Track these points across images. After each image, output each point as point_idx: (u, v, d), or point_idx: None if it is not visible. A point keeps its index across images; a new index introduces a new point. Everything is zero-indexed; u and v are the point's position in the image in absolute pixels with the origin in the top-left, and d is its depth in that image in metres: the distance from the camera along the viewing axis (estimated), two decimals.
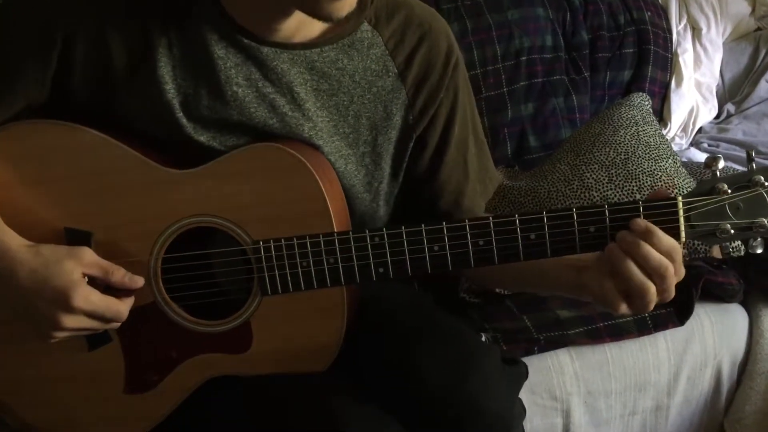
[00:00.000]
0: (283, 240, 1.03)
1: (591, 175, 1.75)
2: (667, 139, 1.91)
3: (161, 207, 1.05)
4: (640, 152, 1.79)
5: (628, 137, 1.82)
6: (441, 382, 1.07)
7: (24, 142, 1.05)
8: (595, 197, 1.72)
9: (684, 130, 2.29)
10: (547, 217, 0.99)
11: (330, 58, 1.09)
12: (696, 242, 1.67)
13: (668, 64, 2.26)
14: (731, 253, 1.65)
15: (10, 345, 1.09)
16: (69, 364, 1.09)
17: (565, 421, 1.60)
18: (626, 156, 1.78)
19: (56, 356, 1.09)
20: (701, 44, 2.32)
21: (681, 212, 0.98)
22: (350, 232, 1.02)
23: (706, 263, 1.72)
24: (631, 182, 1.73)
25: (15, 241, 1.01)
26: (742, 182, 0.98)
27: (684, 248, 0.98)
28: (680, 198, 0.98)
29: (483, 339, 1.51)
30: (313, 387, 1.08)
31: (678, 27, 2.31)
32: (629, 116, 1.88)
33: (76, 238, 1.05)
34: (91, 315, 1.00)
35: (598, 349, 1.61)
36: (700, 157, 2.16)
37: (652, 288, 0.96)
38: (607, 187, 1.73)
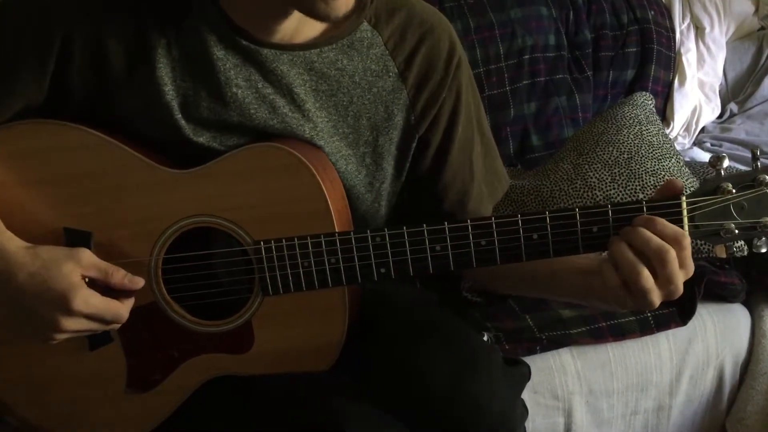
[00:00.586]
0: (284, 240, 1.02)
1: (594, 175, 1.75)
2: (670, 139, 1.91)
3: (161, 207, 1.05)
4: (643, 151, 1.78)
5: (632, 136, 1.82)
6: (444, 382, 1.07)
7: (23, 142, 1.05)
8: (598, 196, 1.71)
9: (687, 129, 2.29)
10: (549, 217, 0.99)
11: (329, 58, 1.08)
12: (699, 242, 1.66)
13: (671, 63, 2.26)
14: (735, 253, 1.64)
15: (11, 345, 1.09)
16: (70, 364, 1.09)
17: (566, 421, 1.59)
18: (629, 155, 1.77)
19: (57, 356, 1.09)
20: (704, 43, 2.32)
21: (685, 212, 0.98)
22: (352, 232, 1.02)
23: (709, 263, 1.72)
24: (634, 181, 1.73)
25: (13, 243, 1.00)
26: (746, 182, 0.97)
27: None
28: (684, 198, 0.98)
29: (485, 338, 1.51)
30: (314, 387, 1.08)
31: (681, 26, 2.31)
32: (632, 115, 1.88)
33: (75, 238, 1.05)
34: (91, 317, 1.00)
35: (601, 348, 1.61)
36: (703, 156, 2.15)
37: (645, 271, 0.94)
38: (610, 186, 1.73)
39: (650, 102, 1.98)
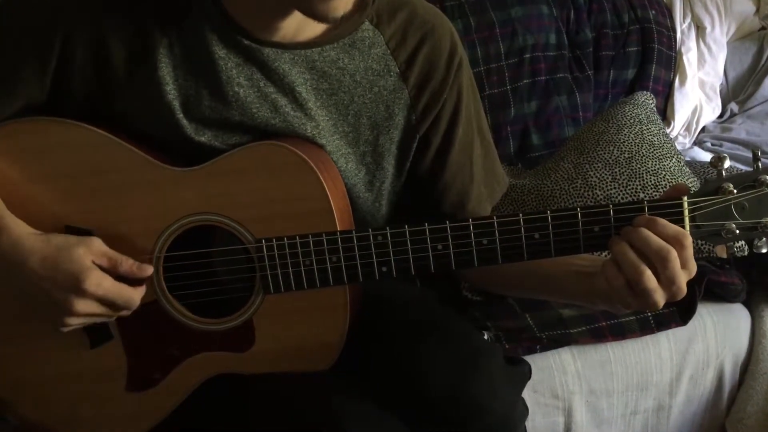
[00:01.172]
0: (285, 239, 1.02)
1: (595, 174, 1.75)
2: (671, 138, 1.91)
3: (163, 205, 1.05)
4: (644, 151, 1.78)
5: (632, 136, 1.81)
6: (444, 381, 1.06)
7: (26, 139, 1.05)
8: (598, 196, 1.71)
9: (687, 129, 2.29)
10: (551, 216, 0.99)
11: (330, 57, 1.08)
12: (700, 242, 1.66)
13: (672, 62, 2.26)
14: (736, 253, 1.64)
15: (12, 343, 1.09)
16: (70, 362, 1.09)
17: (566, 420, 1.59)
18: (630, 155, 1.77)
19: (58, 354, 1.09)
20: (705, 43, 2.31)
21: (686, 212, 0.98)
22: (353, 231, 1.02)
23: (709, 263, 1.72)
24: (634, 181, 1.73)
25: (25, 230, 1.01)
26: (747, 182, 0.97)
27: None
28: (685, 198, 0.98)
29: (485, 337, 1.51)
30: (314, 386, 1.08)
31: (682, 26, 2.31)
32: (633, 115, 1.88)
33: (76, 235, 1.05)
34: (102, 301, 1.00)
35: (601, 348, 1.61)
36: (704, 156, 2.15)
37: (647, 271, 0.94)
38: (610, 185, 1.73)
39: (651, 101, 1.97)
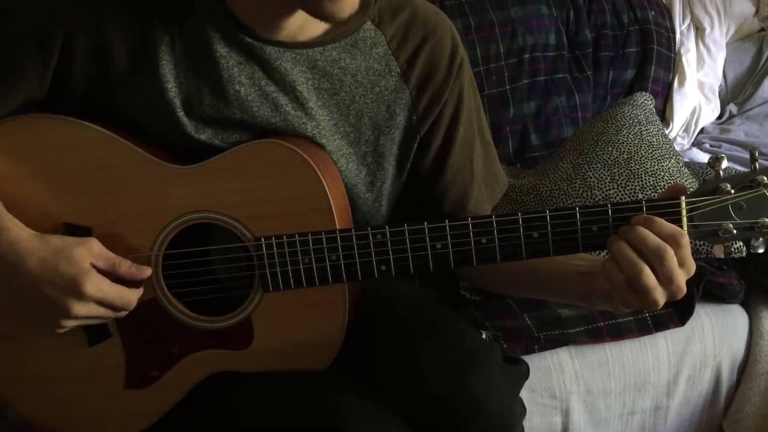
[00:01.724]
0: (285, 237, 1.02)
1: (593, 174, 1.75)
2: (670, 139, 1.91)
3: (162, 203, 1.05)
4: (642, 152, 1.78)
5: (631, 137, 1.82)
6: (443, 380, 1.07)
7: (25, 137, 1.05)
8: (597, 196, 1.72)
9: (686, 130, 2.29)
10: (550, 215, 0.99)
11: (332, 57, 1.08)
12: (698, 242, 1.66)
13: (671, 63, 2.26)
14: (733, 254, 1.64)
15: (10, 341, 1.09)
16: (69, 359, 1.09)
17: (564, 420, 1.60)
18: (629, 155, 1.77)
19: (56, 352, 1.09)
20: (704, 44, 2.32)
21: (684, 212, 0.98)
22: (352, 230, 1.02)
23: (707, 264, 1.72)
24: (633, 182, 1.73)
25: (23, 232, 1.01)
26: (745, 182, 0.98)
27: None
28: (683, 198, 0.98)
29: (483, 337, 1.51)
30: (314, 384, 1.08)
31: (681, 26, 2.31)
32: (632, 115, 1.88)
33: (76, 233, 1.05)
34: (101, 302, 1.00)
35: (598, 348, 1.61)
36: (702, 157, 2.15)
37: (646, 269, 0.94)
38: (609, 186, 1.73)
39: (650, 102, 1.98)
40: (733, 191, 0.97)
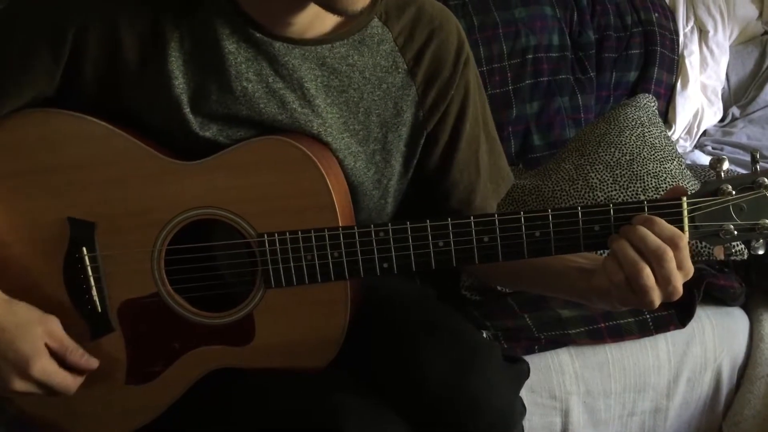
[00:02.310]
0: (287, 233, 1.03)
1: (595, 176, 1.75)
2: (672, 141, 1.91)
3: (166, 198, 1.05)
4: (645, 154, 1.78)
5: (634, 138, 1.82)
6: (443, 378, 1.07)
7: (30, 131, 1.05)
8: (599, 197, 1.72)
9: (688, 132, 2.29)
10: (552, 215, 1.00)
11: (341, 54, 1.08)
12: (699, 244, 1.67)
13: (674, 65, 2.26)
14: (734, 256, 1.65)
15: None
16: None
17: (564, 421, 1.60)
18: (631, 157, 1.77)
19: None
20: (708, 47, 2.32)
21: (685, 212, 0.98)
22: (355, 227, 1.02)
23: (709, 266, 1.72)
24: (635, 183, 1.73)
25: None
26: (746, 184, 0.98)
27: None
28: (685, 198, 0.99)
29: (484, 336, 1.51)
30: (313, 382, 1.08)
31: (685, 29, 2.31)
32: (635, 117, 1.88)
33: (79, 228, 1.05)
34: (41, 385, 1.03)
35: (599, 349, 1.61)
36: (704, 159, 2.15)
37: (646, 269, 0.95)
38: (611, 187, 1.73)
39: (653, 104, 1.98)
40: (734, 192, 0.98)
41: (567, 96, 2.13)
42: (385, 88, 1.12)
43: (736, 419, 1.71)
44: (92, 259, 1.07)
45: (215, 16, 1.03)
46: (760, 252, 1.00)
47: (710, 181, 0.99)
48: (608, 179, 1.74)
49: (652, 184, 1.73)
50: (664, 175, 1.75)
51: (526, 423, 1.22)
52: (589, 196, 1.73)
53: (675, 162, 1.80)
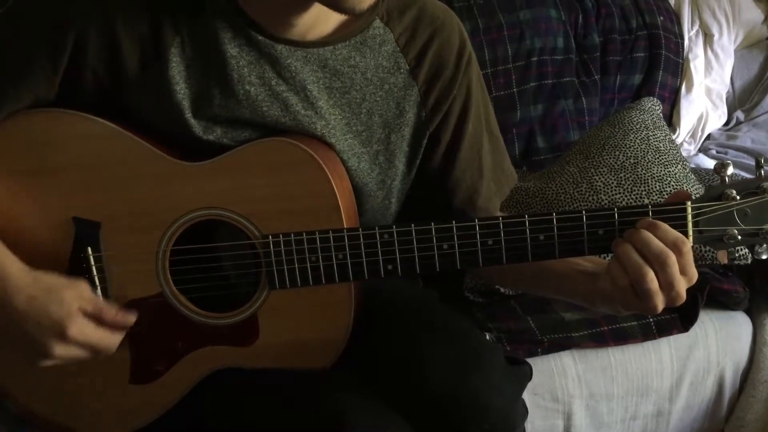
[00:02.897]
0: (292, 235, 1.03)
1: (600, 179, 1.75)
2: (677, 145, 1.91)
3: (171, 199, 1.05)
4: (649, 157, 1.78)
5: (638, 141, 1.82)
6: (446, 379, 1.07)
7: (35, 131, 1.05)
8: (603, 201, 1.72)
9: (693, 136, 2.29)
10: (556, 218, 1.00)
11: (343, 55, 1.09)
12: (703, 249, 1.67)
13: (679, 69, 2.26)
14: (737, 260, 1.65)
15: None
16: None
17: (566, 424, 1.60)
18: (635, 160, 1.77)
19: None
20: (713, 50, 2.31)
21: (690, 217, 0.98)
22: (360, 229, 1.02)
23: (712, 270, 1.72)
24: (640, 186, 1.73)
25: (15, 266, 1.01)
26: (750, 189, 0.98)
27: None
28: (689, 203, 0.99)
29: (487, 338, 1.51)
30: (316, 382, 1.09)
31: (690, 32, 2.31)
32: (639, 120, 1.88)
33: (84, 227, 1.05)
34: (83, 346, 1.02)
35: (602, 352, 1.61)
36: (708, 163, 2.15)
37: (650, 273, 0.95)
38: (615, 190, 1.73)
39: (657, 107, 1.98)
40: (738, 197, 0.98)
41: (571, 99, 2.13)
42: (387, 88, 1.12)
43: (739, 423, 1.71)
44: (97, 259, 1.07)
45: (216, 20, 1.03)
46: (764, 257, 1.00)
47: (714, 186, 0.99)
48: (612, 182, 1.74)
49: (656, 187, 1.73)
50: (669, 178, 1.75)
51: (528, 425, 1.23)
52: (593, 199, 1.73)
53: (679, 166, 1.80)
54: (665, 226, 0.96)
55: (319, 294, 1.06)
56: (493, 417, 1.08)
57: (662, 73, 2.21)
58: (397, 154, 1.15)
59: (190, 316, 1.08)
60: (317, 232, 1.02)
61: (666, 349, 1.64)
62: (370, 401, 1.06)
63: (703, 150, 2.28)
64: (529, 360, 1.31)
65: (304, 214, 1.04)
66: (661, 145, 1.83)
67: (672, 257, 0.95)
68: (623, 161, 1.77)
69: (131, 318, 1.05)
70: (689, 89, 2.25)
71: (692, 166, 2.08)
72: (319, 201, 1.04)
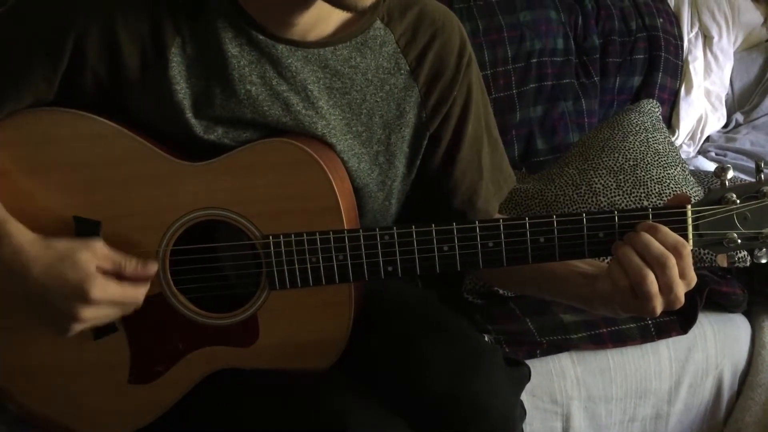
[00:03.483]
0: (293, 236, 1.03)
1: (599, 180, 1.75)
2: (676, 147, 1.91)
3: (172, 199, 1.05)
4: (649, 159, 1.78)
5: (638, 143, 1.82)
6: (445, 381, 1.07)
7: (36, 129, 1.05)
8: (602, 202, 1.72)
9: (692, 138, 2.29)
10: (556, 221, 1.00)
11: (343, 56, 1.09)
12: (702, 251, 1.67)
13: (678, 71, 2.26)
14: (737, 263, 1.64)
15: (14, 332, 1.09)
16: (74, 352, 1.10)
17: (564, 426, 1.60)
18: (635, 162, 1.77)
19: (61, 345, 1.08)
20: (712, 52, 2.32)
21: (690, 220, 0.99)
22: (360, 230, 1.03)
23: (711, 272, 1.72)
24: (639, 188, 1.73)
25: (26, 237, 1.01)
26: (750, 193, 0.98)
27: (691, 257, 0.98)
28: (689, 206, 0.99)
29: (486, 340, 1.51)
30: (315, 384, 1.09)
31: (689, 34, 2.31)
32: (639, 122, 1.88)
33: (84, 227, 1.05)
34: (110, 304, 1.01)
35: (601, 354, 1.61)
36: (707, 165, 2.15)
37: (650, 276, 0.95)
38: (615, 192, 1.73)
39: (657, 109, 1.98)
40: (738, 201, 0.98)
41: (571, 100, 2.13)
42: (387, 89, 1.12)
43: (737, 426, 1.71)
44: None
45: (217, 19, 1.03)
46: (763, 261, 1.00)
47: (714, 190, 0.99)
48: (612, 184, 1.74)
49: (655, 189, 1.73)
50: (668, 180, 1.75)
51: (527, 427, 1.23)
52: (592, 201, 1.73)
53: (678, 168, 1.80)
54: (665, 230, 0.97)
55: (319, 295, 1.06)
56: (493, 418, 1.08)
57: (662, 75, 2.22)
58: (397, 155, 1.15)
59: (190, 316, 1.08)
60: (318, 233, 1.02)
61: (665, 351, 1.64)
62: (370, 402, 1.06)
63: (703, 152, 2.28)
64: (528, 362, 1.31)
65: (304, 215, 1.04)
66: (660, 147, 1.83)
67: (672, 260, 0.95)
68: (622, 163, 1.78)
69: (152, 268, 1.04)
70: (688, 91, 2.25)
71: (691, 168, 2.08)
72: (319, 202, 1.04)
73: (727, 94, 2.38)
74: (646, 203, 1.70)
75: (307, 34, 1.06)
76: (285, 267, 1.04)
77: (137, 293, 1.03)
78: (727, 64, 2.35)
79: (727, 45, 2.35)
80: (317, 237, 1.02)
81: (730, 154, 2.23)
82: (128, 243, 1.05)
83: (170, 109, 1.04)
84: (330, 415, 1.03)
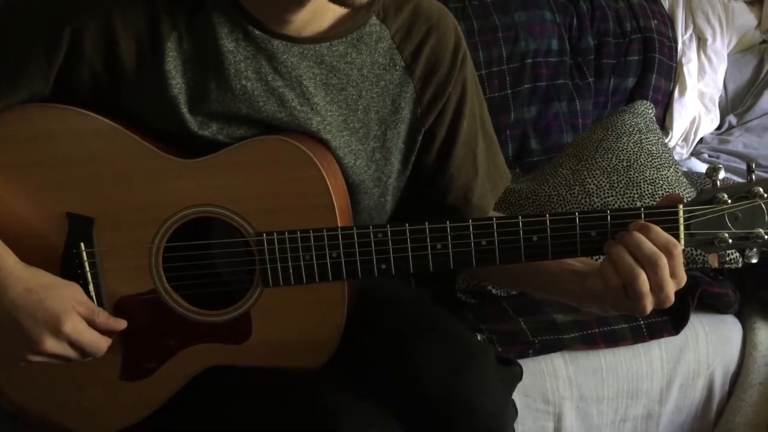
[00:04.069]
0: (286, 233, 1.03)
1: (592, 181, 1.76)
2: (669, 148, 1.92)
3: (165, 195, 1.05)
4: (642, 160, 1.79)
5: (631, 144, 1.82)
6: (437, 379, 1.07)
7: (32, 125, 1.05)
8: (595, 203, 1.72)
9: (685, 139, 2.30)
10: (549, 219, 1.00)
11: (339, 52, 1.09)
12: (694, 252, 1.67)
13: (672, 73, 2.27)
14: (728, 264, 1.65)
15: None
16: None
17: (556, 425, 1.60)
18: (628, 163, 1.78)
19: None
20: (706, 55, 2.32)
21: (681, 220, 0.99)
22: (354, 228, 1.03)
23: (703, 273, 1.73)
24: (632, 189, 1.74)
25: (11, 259, 1.02)
26: (741, 193, 0.99)
27: (683, 257, 0.99)
28: (681, 206, 0.99)
29: (478, 339, 1.52)
30: (308, 382, 1.09)
31: (683, 36, 2.31)
32: (632, 124, 1.89)
33: (78, 223, 1.05)
34: (74, 344, 1.02)
35: (593, 354, 1.62)
36: (700, 167, 2.16)
37: (642, 275, 0.96)
38: (608, 193, 1.74)
39: (650, 111, 1.98)
40: (729, 201, 0.99)
41: (565, 101, 2.14)
42: (383, 85, 1.13)
43: (728, 426, 1.71)
44: (90, 255, 1.07)
45: (214, 14, 1.03)
46: (754, 261, 1.01)
47: (706, 190, 1.00)
48: (605, 185, 1.75)
49: (648, 190, 1.74)
50: (661, 181, 1.76)
51: (518, 426, 1.23)
52: (585, 201, 1.73)
53: (671, 169, 1.81)
54: (657, 229, 0.97)
55: (312, 292, 1.06)
56: (484, 417, 1.08)
57: (656, 76, 2.22)
58: (393, 150, 1.16)
59: (182, 313, 1.08)
60: (311, 231, 1.03)
61: (656, 352, 1.65)
62: (362, 401, 1.06)
63: (696, 154, 2.29)
64: (520, 361, 1.32)
65: (298, 213, 1.04)
66: (653, 148, 1.83)
67: (663, 259, 0.96)
68: (616, 164, 1.78)
69: (122, 324, 1.06)
70: (682, 93, 2.26)
71: (684, 169, 2.09)
72: (313, 199, 1.04)
73: (721, 96, 2.38)
74: (639, 204, 1.71)
75: (303, 30, 1.06)
76: (278, 264, 1.04)
77: (101, 343, 1.04)
78: (721, 67, 2.36)
79: (721, 47, 2.35)
80: (311, 234, 1.03)
81: (723, 155, 2.24)
82: (121, 239, 1.05)
83: (165, 103, 1.04)
84: (322, 413, 1.02)
